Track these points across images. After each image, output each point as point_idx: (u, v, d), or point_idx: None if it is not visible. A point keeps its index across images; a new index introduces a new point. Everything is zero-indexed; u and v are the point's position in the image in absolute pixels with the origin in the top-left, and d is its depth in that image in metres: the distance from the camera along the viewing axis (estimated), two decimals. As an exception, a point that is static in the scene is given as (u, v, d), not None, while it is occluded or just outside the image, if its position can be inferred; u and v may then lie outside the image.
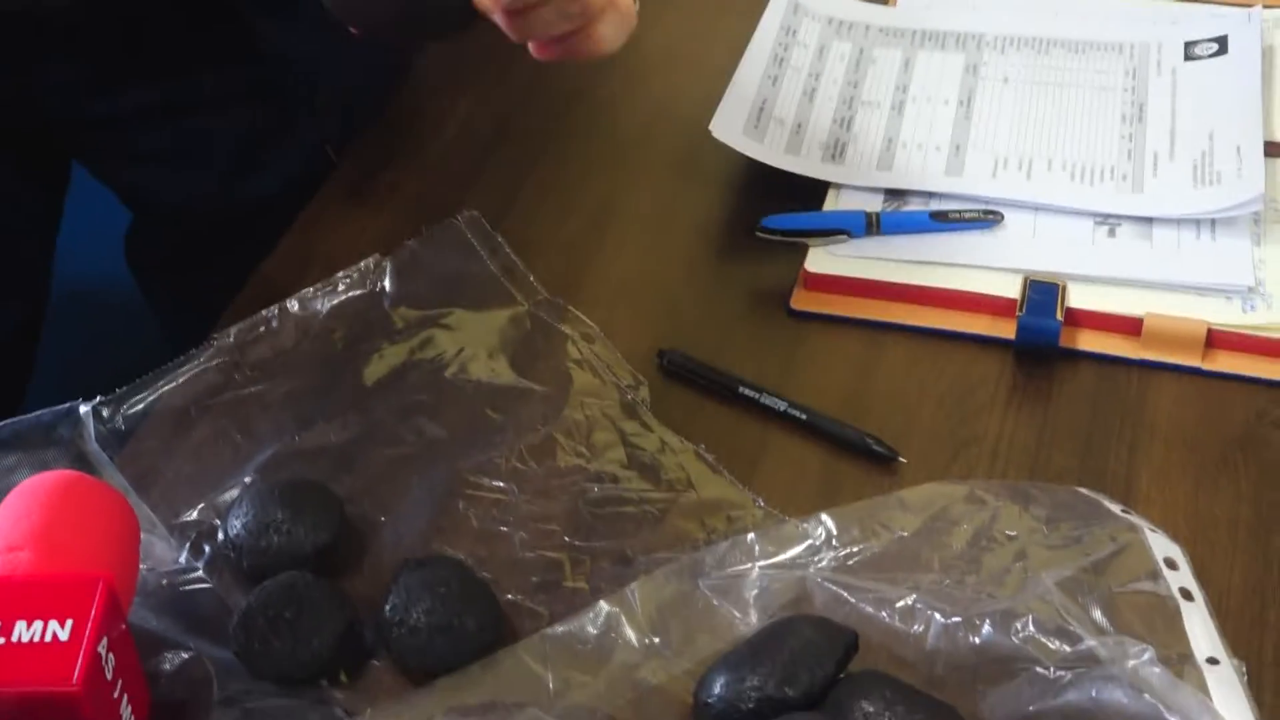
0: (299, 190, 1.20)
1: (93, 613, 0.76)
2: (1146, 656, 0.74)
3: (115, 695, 0.78)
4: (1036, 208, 1.11)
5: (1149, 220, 1.09)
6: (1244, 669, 0.76)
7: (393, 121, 1.27)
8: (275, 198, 1.22)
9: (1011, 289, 1.04)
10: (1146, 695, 0.73)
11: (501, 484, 0.96)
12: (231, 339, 1.02)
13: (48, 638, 0.75)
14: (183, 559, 0.91)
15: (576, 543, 0.92)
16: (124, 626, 0.80)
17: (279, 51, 1.26)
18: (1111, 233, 1.09)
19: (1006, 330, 1.03)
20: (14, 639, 0.75)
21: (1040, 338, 1.02)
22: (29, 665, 0.75)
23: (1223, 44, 1.23)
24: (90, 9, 1.19)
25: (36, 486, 0.85)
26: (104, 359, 1.26)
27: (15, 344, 1.34)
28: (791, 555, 0.88)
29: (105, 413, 0.98)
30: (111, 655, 0.77)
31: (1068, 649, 0.78)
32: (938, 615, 0.82)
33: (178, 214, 1.37)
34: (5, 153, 1.28)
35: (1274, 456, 0.97)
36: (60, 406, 0.98)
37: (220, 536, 0.91)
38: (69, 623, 0.76)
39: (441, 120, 1.26)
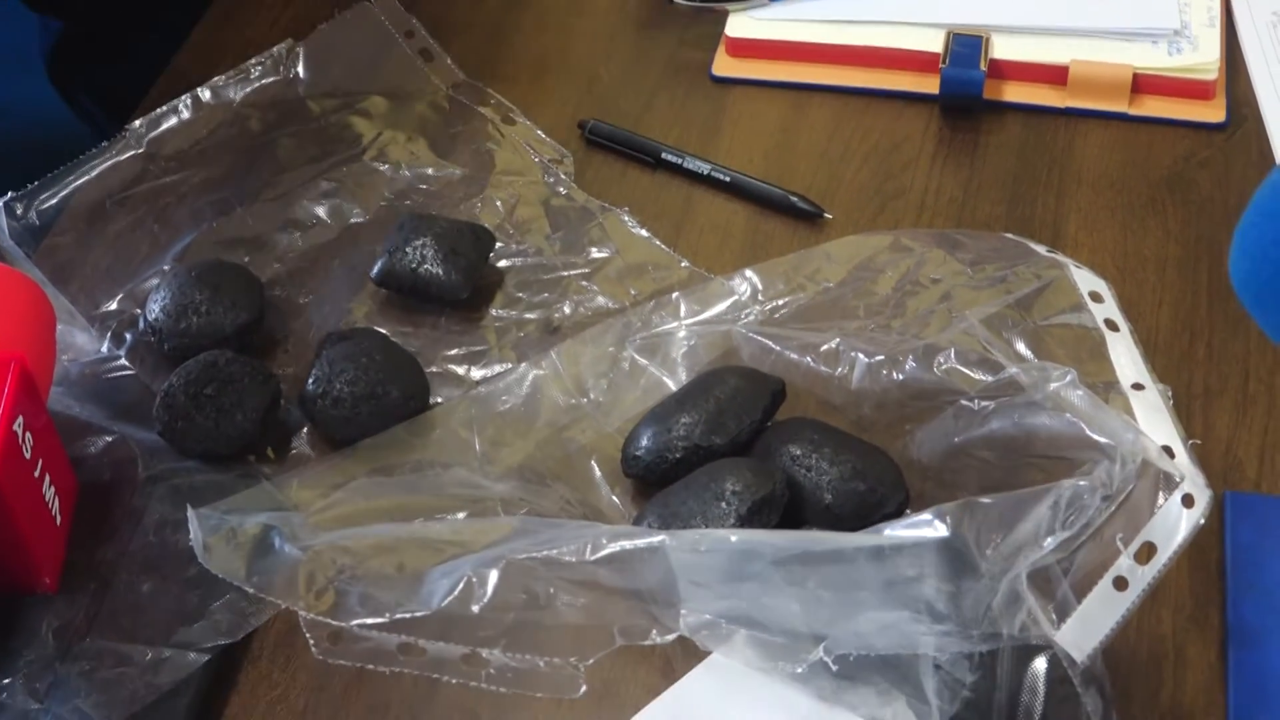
0: None
1: (5, 392, 0.75)
2: (1069, 379, 0.74)
3: (36, 475, 0.77)
4: (958, -39, 1.09)
5: (1073, -32, 1.08)
6: (1169, 393, 0.75)
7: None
8: None
9: (934, 43, 1.02)
10: (1069, 416, 0.73)
11: (425, 262, 0.94)
12: (144, 129, 1.00)
13: (-39, 419, 0.74)
14: (104, 348, 0.90)
15: (501, 313, 0.91)
16: (44, 412, 0.79)
17: None
18: (1035, -18, 1.07)
19: (930, 86, 1.02)
20: (-74, 422, 0.74)
21: (964, 89, 1.00)
22: (-57, 446, 0.74)
23: None
24: None
25: (-54, 276, 0.83)
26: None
27: None
28: (717, 312, 0.87)
29: (18, 209, 0.96)
30: (29, 435, 0.76)
31: (989, 378, 0.78)
32: (861, 355, 0.81)
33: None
34: None
35: (1201, 196, 0.96)
36: (-29, 204, 0.96)
37: (140, 324, 0.90)
38: (-18, 403, 0.75)
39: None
